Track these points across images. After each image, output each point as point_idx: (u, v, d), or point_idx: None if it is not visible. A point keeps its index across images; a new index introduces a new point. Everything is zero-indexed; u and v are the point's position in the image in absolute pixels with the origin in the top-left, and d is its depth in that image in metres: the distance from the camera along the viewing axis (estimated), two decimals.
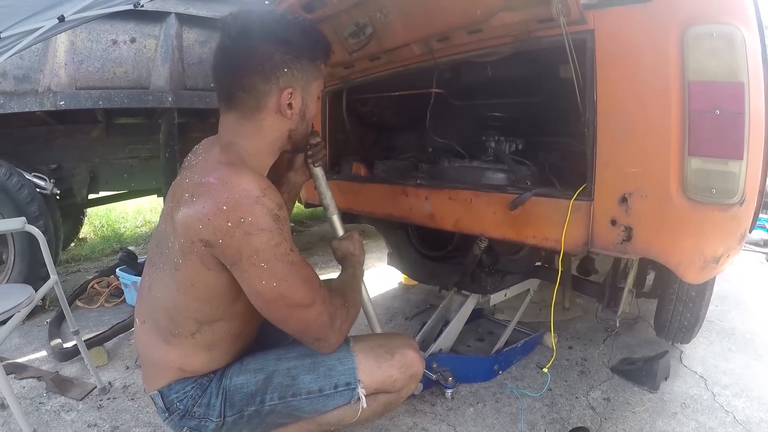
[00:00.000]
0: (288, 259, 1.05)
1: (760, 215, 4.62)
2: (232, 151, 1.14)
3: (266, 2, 3.45)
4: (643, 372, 2.00)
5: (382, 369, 1.25)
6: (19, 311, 1.56)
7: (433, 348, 2.00)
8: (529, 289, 2.30)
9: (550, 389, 1.97)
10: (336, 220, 1.56)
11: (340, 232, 1.54)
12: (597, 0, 1.39)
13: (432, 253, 2.40)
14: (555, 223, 1.42)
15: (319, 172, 1.51)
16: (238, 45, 1.13)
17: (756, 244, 4.75)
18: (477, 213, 1.65)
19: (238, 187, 1.01)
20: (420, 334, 2.18)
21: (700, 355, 2.27)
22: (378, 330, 1.61)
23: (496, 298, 2.14)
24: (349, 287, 1.33)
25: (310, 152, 1.44)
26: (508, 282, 2.14)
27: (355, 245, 1.47)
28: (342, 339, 1.21)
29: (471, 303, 2.13)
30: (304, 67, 1.16)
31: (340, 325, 1.19)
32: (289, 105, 1.16)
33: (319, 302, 1.12)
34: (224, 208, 0.99)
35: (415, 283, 3.12)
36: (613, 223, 1.31)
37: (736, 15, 1.18)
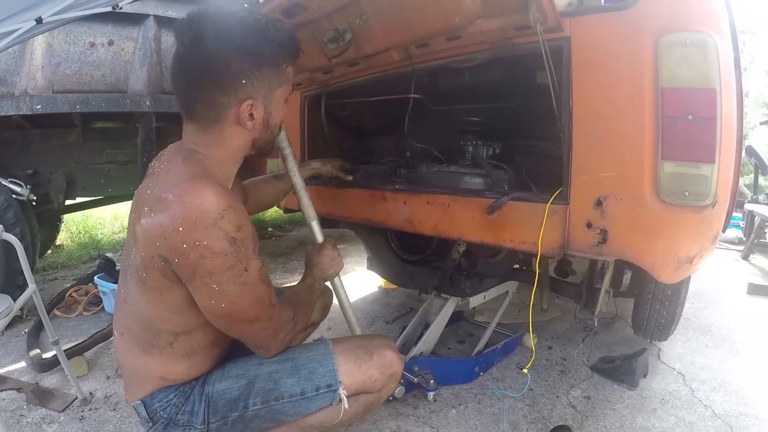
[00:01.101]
0: (240, 280, 1.05)
1: (734, 214, 4.75)
2: (195, 160, 1.11)
3: (245, 5, 3.46)
4: (622, 370, 2.03)
5: (362, 370, 1.26)
6: None
7: (414, 351, 2.01)
8: (507, 291, 2.32)
9: (531, 389, 1.99)
10: (315, 226, 1.57)
11: (319, 238, 1.55)
12: (573, 8, 1.42)
13: (411, 257, 2.40)
14: (532, 227, 1.44)
15: (291, 163, 1.51)
16: (193, 54, 1.07)
17: (731, 242, 4.88)
18: (455, 217, 1.67)
19: (196, 208, 0.98)
20: (401, 337, 2.19)
21: (678, 352, 2.32)
22: (358, 332, 1.61)
23: (475, 300, 2.16)
24: (301, 299, 1.36)
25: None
26: (487, 285, 2.16)
27: (321, 258, 1.46)
28: (283, 348, 1.25)
29: (450, 306, 2.14)
30: (265, 75, 1.11)
31: (284, 336, 1.23)
32: (251, 116, 1.12)
33: (264, 319, 1.15)
34: (180, 229, 0.98)
35: (395, 286, 3.13)
36: (589, 226, 1.34)
37: (709, 23, 1.21)
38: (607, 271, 1.51)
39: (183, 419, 1.20)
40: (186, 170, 1.06)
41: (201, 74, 1.07)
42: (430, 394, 1.89)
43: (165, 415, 1.19)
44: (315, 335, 1.93)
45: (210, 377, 1.24)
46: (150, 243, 1.01)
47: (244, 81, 1.08)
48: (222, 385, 1.22)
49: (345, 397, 1.23)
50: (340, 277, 1.58)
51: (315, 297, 1.42)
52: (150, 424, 1.21)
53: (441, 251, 2.16)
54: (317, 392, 1.22)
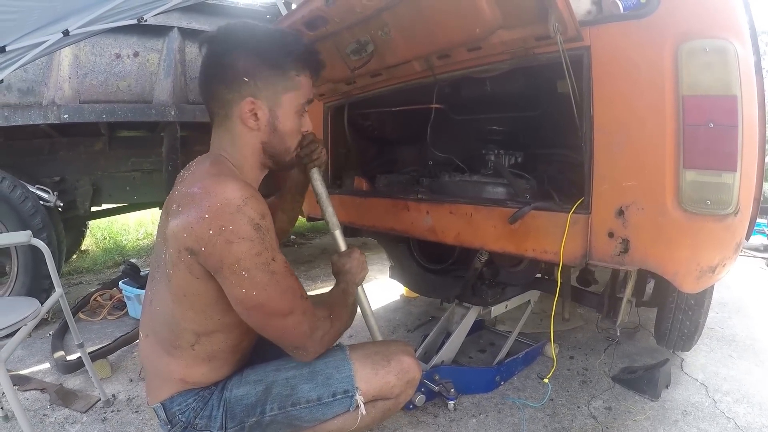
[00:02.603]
0: (269, 268, 1.06)
1: (759, 220, 4.65)
2: (221, 163, 1.16)
3: (267, 16, 3.52)
4: (645, 380, 2.01)
5: (379, 376, 1.26)
6: (25, 324, 1.58)
7: (435, 360, 2.01)
8: (529, 301, 2.31)
9: (552, 399, 1.97)
10: (338, 234, 1.57)
11: (342, 246, 1.55)
12: (593, 17, 1.43)
13: (433, 266, 2.41)
14: (554, 236, 1.44)
15: (315, 173, 1.49)
16: (208, 55, 1.16)
17: (756, 249, 4.77)
18: (477, 227, 1.67)
19: (220, 195, 1.02)
20: (422, 346, 2.20)
21: (701, 363, 2.28)
22: (379, 338, 1.62)
23: (497, 309, 2.15)
24: (336, 302, 1.34)
25: (302, 153, 1.37)
26: (509, 294, 2.15)
27: (351, 263, 1.46)
28: (322, 350, 1.22)
29: (472, 315, 2.14)
30: (269, 77, 1.15)
31: (322, 336, 1.19)
32: (254, 115, 1.15)
33: (299, 312, 1.13)
34: (206, 216, 1.01)
35: (417, 295, 3.13)
36: (611, 235, 1.33)
37: (729, 29, 1.21)
38: (630, 281, 1.51)
39: (201, 423, 1.21)
40: (210, 170, 1.12)
41: (212, 72, 1.16)
42: (451, 403, 1.89)
43: (184, 419, 1.21)
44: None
45: (229, 383, 1.25)
46: (177, 237, 1.04)
47: (246, 79, 1.13)
48: (240, 391, 1.23)
49: (362, 403, 1.23)
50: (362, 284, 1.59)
51: (350, 301, 1.41)
52: (169, 426, 1.23)
53: (463, 260, 2.16)
54: (334, 398, 1.22)
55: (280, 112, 1.19)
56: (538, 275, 2.13)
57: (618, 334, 2.26)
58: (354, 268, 1.46)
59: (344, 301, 1.38)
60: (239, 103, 1.14)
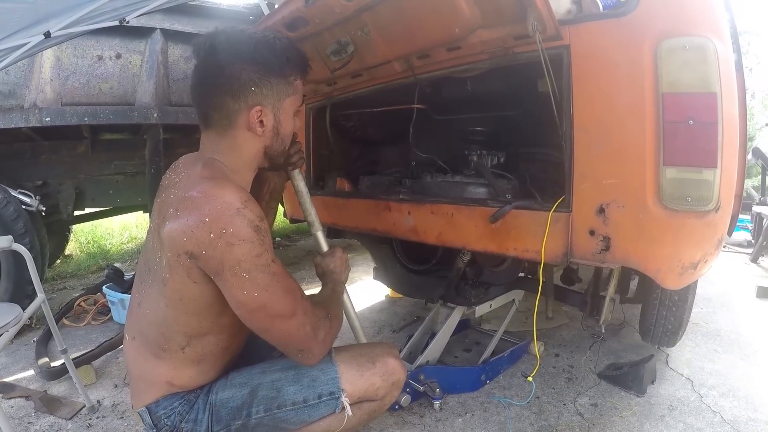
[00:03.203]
0: (269, 269, 1.07)
1: (742, 216, 4.72)
2: (214, 166, 1.16)
3: (251, 17, 3.50)
4: (630, 376, 2.02)
5: (365, 377, 1.27)
6: (7, 330, 1.55)
7: (420, 360, 2.01)
8: (514, 300, 2.32)
9: (538, 397, 1.98)
10: (320, 236, 1.57)
11: (324, 247, 1.55)
12: (572, 16, 1.43)
13: (417, 267, 2.41)
14: (535, 235, 1.44)
15: (297, 174, 1.51)
16: (208, 65, 1.17)
17: (739, 245, 4.84)
18: (459, 226, 1.67)
19: (220, 199, 1.03)
20: (407, 346, 2.20)
21: (686, 358, 2.30)
22: (363, 340, 1.62)
23: (481, 309, 2.16)
24: (330, 302, 1.34)
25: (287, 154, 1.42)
26: (493, 293, 2.16)
27: (335, 262, 1.48)
28: (326, 350, 1.22)
29: (457, 315, 2.14)
30: (273, 84, 1.17)
31: (324, 336, 1.19)
32: (261, 122, 1.18)
33: (301, 313, 1.13)
34: (207, 220, 1.01)
35: (402, 296, 3.12)
36: (592, 233, 1.34)
37: (709, 27, 1.21)
38: (612, 279, 1.51)
39: (187, 427, 1.21)
40: (206, 174, 1.12)
41: (215, 82, 1.15)
42: (436, 403, 1.89)
43: (169, 423, 1.20)
44: None
45: (214, 386, 1.25)
46: (176, 241, 1.04)
47: (253, 88, 1.15)
48: (225, 394, 1.23)
49: (348, 405, 1.23)
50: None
51: (340, 300, 1.43)
52: (154, 431, 1.22)
53: (446, 261, 2.16)
54: (320, 400, 1.23)
55: (283, 116, 1.22)
56: (522, 274, 2.14)
57: (603, 331, 2.27)
58: (338, 267, 1.48)
59: (336, 300, 1.39)
60: (246, 111, 1.16)
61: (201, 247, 1.02)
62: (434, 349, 2.08)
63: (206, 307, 1.13)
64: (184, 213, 1.04)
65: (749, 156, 4.77)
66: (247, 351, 1.42)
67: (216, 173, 1.14)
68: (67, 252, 4.91)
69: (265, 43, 1.17)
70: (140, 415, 1.22)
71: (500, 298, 2.23)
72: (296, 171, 1.52)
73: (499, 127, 2.06)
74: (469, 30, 1.39)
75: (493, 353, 2.20)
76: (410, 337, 2.29)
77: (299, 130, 2.30)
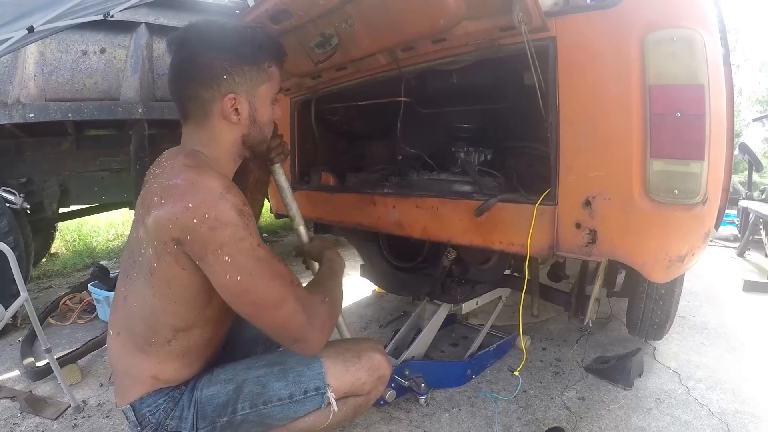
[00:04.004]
0: (254, 254, 1.06)
1: (728, 211, 4.76)
2: (196, 157, 1.17)
3: (237, 12, 3.46)
4: (617, 370, 2.02)
5: (350, 372, 1.27)
6: None
7: (406, 355, 2.01)
8: (501, 296, 2.32)
9: (525, 391, 1.98)
10: (302, 230, 1.59)
11: (305, 240, 1.55)
12: (559, 8, 1.42)
13: (402, 264, 2.41)
14: (520, 228, 1.43)
15: (278, 168, 1.52)
16: (181, 58, 1.18)
17: (726, 239, 4.89)
18: (444, 220, 1.66)
19: (203, 185, 1.05)
20: (392, 341, 2.19)
21: (673, 351, 2.32)
22: (347, 336, 1.61)
23: (467, 306, 2.16)
24: (328, 282, 1.33)
25: (268, 148, 1.44)
26: (479, 291, 2.16)
27: (324, 243, 1.49)
28: (325, 338, 1.19)
29: (443, 311, 2.14)
30: (246, 71, 1.18)
31: (321, 323, 1.17)
32: (236, 111, 1.18)
33: (292, 299, 1.10)
34: (190, 205, 1.02)
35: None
36: (578, 226, 1.33)
37: (696, 19, 1.20)
38: (599, 274, 1.51)
39: (172, 424, 1.19)
40: (188, 163, 1.12)
41: (188, 73, 1.17)
42: (422, 398, 1.88)
43: (154, 420, 1.19)
44: None
45: (199, 382, 1.24)
46: (162, 228, 1.04)
47: (225, 76, 1.15)
48: (210, 390, 1.22)
49: (334, 400, 1.23)
50: None
51: (340, 277, 1.40)
52: (138, 428, 1.20)
53: (432, 258, 2.16)
54: (305, 395, 1.22)
55: (258, 103, 1.22)
56: (508, 272, 2.14)
57: (590, 324, 2.28)
58: (327, 245, 1.49)
59: (334, 278, 1.37)
60: (220, 100, 1.16)
61: (185, 232, 1.02)
62: (420, 345, 2.08)
63: (194, 295, 1.12)
64: (169, 200, 1.04)
65: (736, 152, 4.81)
66: (230, 344, 1.41)
67: (198, 162, 1.14)
68: (52, 250, 4.84)
69: (236, 32, 1.19)
70: (124, 413, 1.21)
71: (487, 296, 2.23)
72: (277, 165, 1.53)
73: (486, 120, 2.05)
74: (455, 21, 1.37)
75: (480, 348, 2.20)
76: (396, 332, 2.29)
77: (282, 120, 2.28)
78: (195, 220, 1.01)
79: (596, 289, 1.57)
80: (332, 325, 1.23)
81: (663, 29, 1.19)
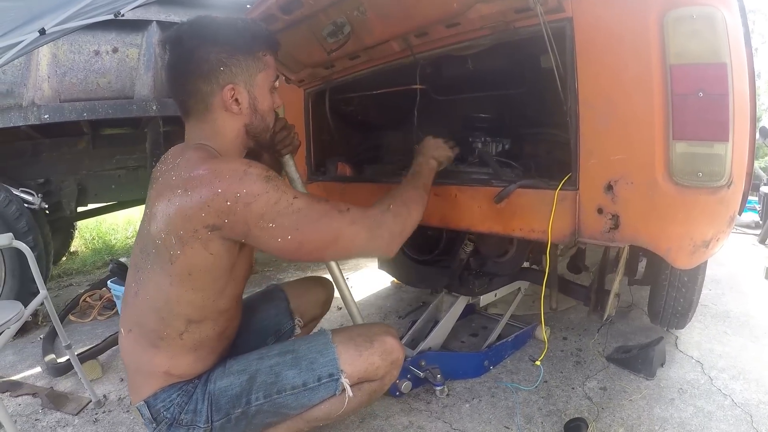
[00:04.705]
0: (293, 209, 1.10)
1: (750, 197, 4.66)
2: (204, 149, 1.19)
3: (248, 6, 3.46)
4: (639, 359, 1.99)
5: (363, 357, 1.27)
6: (8, 327, 1.55)
7: (423, 346, 1.99)
8: (520, 288, 2.29)
9: (546, 381, 1.96)
10: None
11: None
12: None
13: (420, 256, 2.40)
14: (541, 214, 1.41)
15: (288, 160, 1.54)
16: (177, 55, 1.21)
17: (747, 226, 4.79)
18: (463, 208, 1.64)
19: (226, 169, 1.08)
20: (409, 332, 2.18)
21: (695, 340, 2.27)
22: (359, 321, 1.61)
23: (486, 298, 2.14)
24: (400, 189, 1.38)
25: (276, 139, 1.48)
26: (496, 284, 2.14)
27: (425, 143, 1.57)
28: (396, 242, 1.26)
29: (461, 304, 2.13)
30: (241, 61, 1.20)
31: (389, 232, 1.23)
32: (236, 101, 1.21)
33: (346, 227, 1.16)
34: (219, 191, 1.05)
35: None
36: (600, 211, 1.30)
37: None
38: (618, 274, 1.47)
39: (186, 418, 1.20)
40: (202, 155, 1.15)
41: (186, 69, 1.20)
42: (438, 389, 1.87)
43: (168, 415, 1.20)
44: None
45: (212, 375, 1.24)
46: (193, 218, 1.07)
47: (222, 68, 1.18)
48: (224, 382, 1.22)
49: (348, 386, 1.23)
50: (340, 268, 1.59)
51: (421, 182, 1.43)
52: (154, 425, 1.21)
53: (450, 251, 2.14)
54: (319, 382, 1.23)
55: (258, 92, 1.25)
56: (526, 264, 2.11)
57: (611, 317, 2.25)
58: (427, 148, 1.54)
59: (413, 183, 1.41)
60: (219, 92, 1.19)
61: (222, 216, 1.06)
62: (437, 336, 2.06)
63: (212, 282, 1.15)
64: (196, 191, 1.07)
65: (757, 135, 4.70)
66: (242, 338, 1.41)
67: (211, 152, 1.18)
68: (72, 249, 4.91)
69: (228, 25, 1.22)
70: (139, 410, 1.22)
71: (505, 288, 2.21)
72: (287, 156, 1.54)
73: (502, 107, 2.02)
74: (468, 4, 1.35)
75: (498, 338, 2.18)
76: (413, 323, 2.27)
77: (296, 112, 2.27)
78: (229, 203, 1.05)
79: (616, 284, 1.55)
80: (402, 227, 1.28)
81: (682, 6, 1.15)
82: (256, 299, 1.65)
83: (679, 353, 2.15)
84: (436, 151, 1.53)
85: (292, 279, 3.50)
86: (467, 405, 1.83)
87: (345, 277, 1.62)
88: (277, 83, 1.32)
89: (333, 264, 1.63)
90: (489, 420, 1.73)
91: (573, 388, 1.90)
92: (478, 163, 1.82)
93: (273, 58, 1.29)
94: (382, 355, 1.28)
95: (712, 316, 2.55)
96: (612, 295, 1.58)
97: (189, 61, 1.18)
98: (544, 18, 1.25)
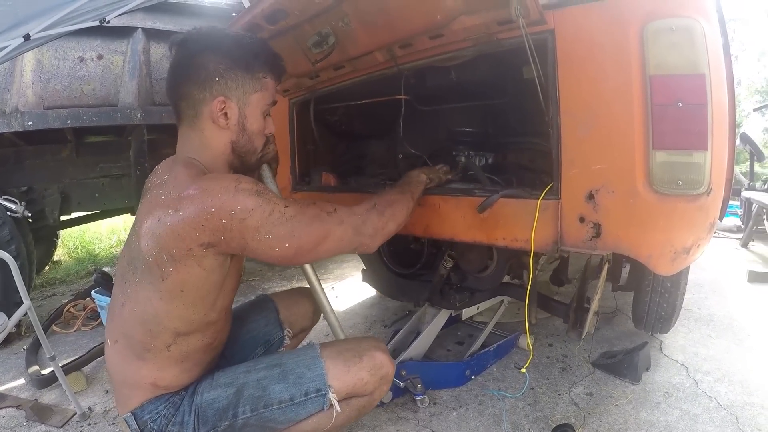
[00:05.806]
0: (286, 217, 1.13)
1: (731, 202, 4.74)
2: (193, 165, 1.18)
3: (233, 14, 3.46)
4: (624, 364, 2.01)
5: (352, 372, 1.26)
6: None
7: (404, 356, 1.99)
8: (503, 300, 2.30)
9: (532, 388, 1.97)
10: None
11: None
12: (556, 0, 1.40)
13: (402, 270, 2.40)
14: (524, 224, 1.41)
15: (266, 171, 1.56)
16: (179, 58, 1.22)
17: (729, 230, 4.86)
18: (446, 218, 1.64)
19: (217, 187, 1.08)
20: (391, 342, 2.18)
21: (680, 344, 2.30)
22: (341, 336, 1.60)
23: (468, 312, 2.16)
24: (386, 192, 1.43)
25: None
26: (477, 298, 2.14)
27: (413, 173, 1.59)
28: (379, 238, 1.31)
29: (443, 315, 2.14)
30: (239, 77, 1.20)
31: (373, 228, 1.28)
32: (225, 114, 1.20)
33: (335, 227, 1.21)
34: (213, 210, 1.05)
35: None
36: (582, 220, 1.31)
37: (695, 8, 1.19)
38: (597, 293, 1.49)
39: (173, 430, 1.19)
40: (191, 173, 1.14)
41: (184, 73, 1.21)
42: (418, 399, 1.86)
43: (155, 427, 1.19)
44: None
45: (199, 387, 1.23)
46: (185, 236, 1.06)
47: (218, 79, 1.18)
48: (211, 395, 1.21)
49: (336, 401, 1.22)
50: (318, 278, 1.60)
51: (407, 193, 1.46)
52: None
53: (430, 265, 2.16)
54: (306, 397, 1.22)
55: (249, 111, 1.24)
56: (507, 278, 2.12)
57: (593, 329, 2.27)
58: (421, 168, 1.62)
59: (400, 188, 1.47)
60: (210, 102, 1.18)
61: (217, 234, 1.06)
62: (418, 346, 2.06)
63: (204, 296, 1.15)
64: (188, 210, 1.06)
65: (737, 142, 4.78)
66: (231, 348, 1.40)
67: (200, 170, 1.17)
68: (55, 258, 4.86)
69: (235, 39, 1.23)
70: (126, 422, 1.21)
71: (487, 302, 2.22)
72: (264, 166, 1.52)
73: (485, 117, 2.03)
74: (451, 16, 1.36)
75: (482, 347, 2.18)
76: (395, 332, 2.27)
77: (281, 121, 2.26)
78: (224, 221, 1.06)
79: (595, 303, 1.57)
80: (385, 224, 1.33)
81: (662, 19, 1.18)
82: (246, 309, 1.64)
83: (664, 357, 2.18)
84: (429, 171, 1.59)
85: (277, 288, 3.50)
86: (454, 413, 1.83)
87: (324, 288, 1.62)
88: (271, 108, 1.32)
89: (311, 274, 1.61)
90: (476, 428, 1.74)
91: (559, 395, 1.91)
92: (461, 179, 1.83)
93: (273, 83, 1.29)
94: (371, 371, 1.27)
95: (696, 320, 2.59)
96: (591, 313, 1.59)
97: (188, 65, 1.19)
98: (526, 30, 1.26)
